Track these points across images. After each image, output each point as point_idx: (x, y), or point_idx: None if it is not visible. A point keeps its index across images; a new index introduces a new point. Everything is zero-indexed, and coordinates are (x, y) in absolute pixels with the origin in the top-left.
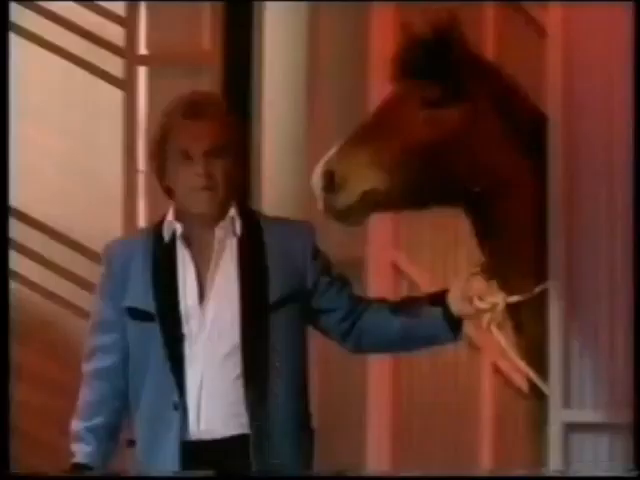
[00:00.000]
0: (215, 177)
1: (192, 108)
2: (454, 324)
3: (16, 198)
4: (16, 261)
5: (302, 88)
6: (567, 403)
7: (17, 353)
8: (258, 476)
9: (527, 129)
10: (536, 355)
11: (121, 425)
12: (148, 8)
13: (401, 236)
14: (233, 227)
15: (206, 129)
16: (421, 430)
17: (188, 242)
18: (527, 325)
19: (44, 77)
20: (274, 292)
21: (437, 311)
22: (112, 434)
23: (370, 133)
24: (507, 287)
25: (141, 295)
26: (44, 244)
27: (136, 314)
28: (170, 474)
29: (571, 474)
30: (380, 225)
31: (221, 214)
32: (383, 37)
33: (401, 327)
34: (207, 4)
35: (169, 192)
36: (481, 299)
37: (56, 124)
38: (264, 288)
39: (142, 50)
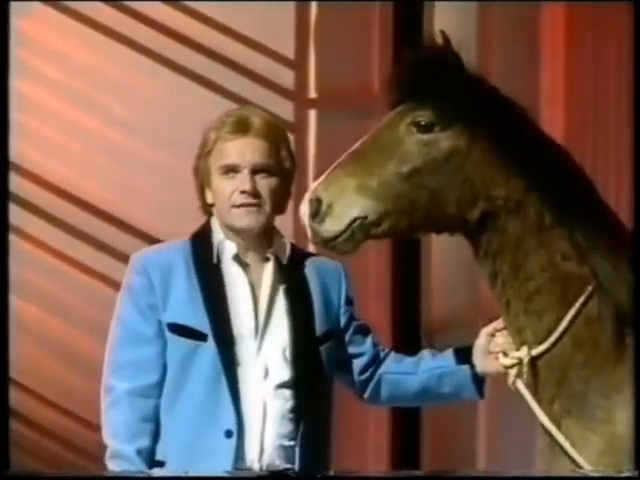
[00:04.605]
0: (261, 195)
1: (240, 123)
2: (480, 383)
3: None
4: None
5: None
6: None
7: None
8: (293, 476)
9: (527, 150)
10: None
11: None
12: (318, 51)
13: None
14: (281, 254)
15: (253, 145)
16: None
17: (242, 264)
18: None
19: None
20: (319, 326)
21: (464, 370)
22: (152, 457)
23: (359, 158)
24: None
25: (189, 312)
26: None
27: (181, 331)
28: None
29: None
30: None
31: (269, 237)
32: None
33: (424, 382)
34: (376, 45)
35: (207, 209)
36: (505, 355)
37: None
38: (312, 321)
39: (312, 94)
